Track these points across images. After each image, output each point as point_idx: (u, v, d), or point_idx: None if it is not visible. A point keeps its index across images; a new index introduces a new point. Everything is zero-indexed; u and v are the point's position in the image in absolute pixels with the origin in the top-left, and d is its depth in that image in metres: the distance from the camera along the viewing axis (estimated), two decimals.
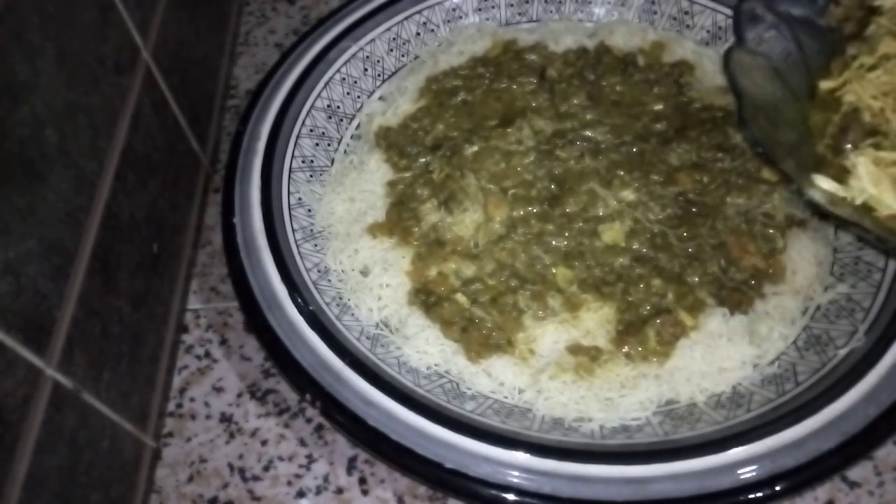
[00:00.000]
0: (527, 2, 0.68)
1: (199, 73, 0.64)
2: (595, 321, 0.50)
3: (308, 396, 0.44)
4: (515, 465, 0.41)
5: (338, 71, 0.62)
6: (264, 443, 0.49)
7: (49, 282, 0.38)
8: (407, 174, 0.58)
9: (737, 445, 0.40)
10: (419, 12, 0.66)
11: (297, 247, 0.52)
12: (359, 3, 0.65)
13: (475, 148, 0.57)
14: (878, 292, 0.48)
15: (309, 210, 0.56)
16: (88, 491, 0.40)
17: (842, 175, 0.47)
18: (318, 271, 0.52)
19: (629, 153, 0.57)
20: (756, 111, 0.50)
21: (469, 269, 0.52)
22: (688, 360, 0.48)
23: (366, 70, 0.64)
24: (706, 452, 0.40)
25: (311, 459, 0.49)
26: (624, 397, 0.46)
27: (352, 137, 0.62)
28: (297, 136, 0.58)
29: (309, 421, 0.50)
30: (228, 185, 0.54)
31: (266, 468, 0.48)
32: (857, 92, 0.50)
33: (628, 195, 0.54)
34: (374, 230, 0.55)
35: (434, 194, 0.56)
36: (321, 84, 0.61)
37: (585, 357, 0.48)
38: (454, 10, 0.67)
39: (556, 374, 0.47)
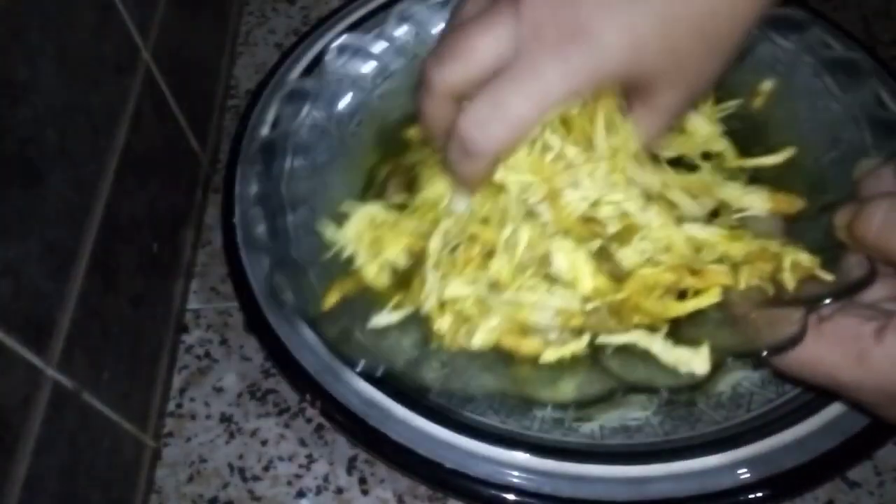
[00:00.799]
0: None
1: (199, 73, 0.64)
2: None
3: (308, 396, 0.44)
4: (515, 465, 0.41)
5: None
6: (264, 443, 0.49)
7: (49, 282, 0.38)
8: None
9: (737, 445, 0.40)
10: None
11: None
12: (359, 3, 0.65)
13: None
14: None
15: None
16: (88, 491, 0.40)
17: None
18: None
19: None
20: None
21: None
22: None
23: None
24: (706, 452, 0.40)
25: (311, 459, 0.49)
26: (624, 397, 0.46)
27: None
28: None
29: (309, 421, 0.50)
30: (228, 185, 0.54)
31: (266, 468, 0.48)
32: None
33: None
34: None
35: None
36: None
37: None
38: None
39: None
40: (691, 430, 0.44)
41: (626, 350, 0.38)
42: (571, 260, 0.38)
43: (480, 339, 0.40)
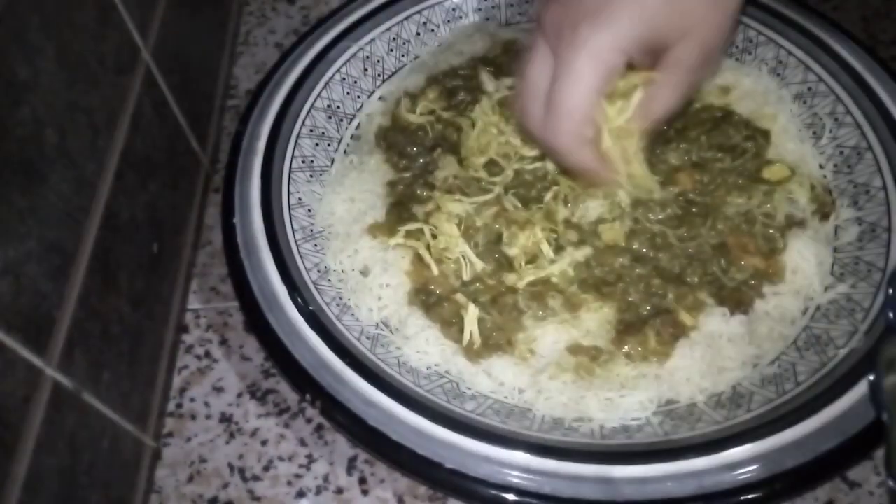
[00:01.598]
0: (527, 2, 0.68)
1: (199, 73, 0.64)
2: (595, 321, 0.50)
3: (308, 396, 0.44)
4: (515, 465, 0.41)
5: (338, 71, 0.62)
6: (264, 443, 0.49)
7: (49, 282, 0.38)
8: (407, 174, 0.58)
9: (737, 445, 0.40)
10: (419, 12, 0.66)
11: (297, 247, 0.52)
12: (359, 3, 0.65)
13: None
14: (878, 292, 0.48)
15: (309, 210, 0.56)
16: (88, 491, 0.40)
17: None
18: (318, 271, 0.52)
19: None
20: None
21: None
22: (688, 360, 0.48)
23: (366, 70, 0.64)
24: (706, 452, 0.40)
25: (311, 459, 0.49)
26: (624, 397, 0.46)
27: (352, 137, 0.62)
28: (297, 136, 0.58)
29: (309, 421, 0.50)
30: (228, 185, 0.54)
31: (266, 468, 0.48)
32: None
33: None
34: (374, 230, 0.55)
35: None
36: (321, 84, 0.61)
37: (585, 357, 0.48)
38: (454, 10, 0.67)
39: (556, 374, 0.47)
40: (691, 430, 0.44)
41: None
42: None
43: None
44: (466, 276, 0.52)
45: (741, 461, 0.40)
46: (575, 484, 0.40)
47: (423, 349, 0.49)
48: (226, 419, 0.51)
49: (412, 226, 0.53)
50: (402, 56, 0.66)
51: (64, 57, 0.41)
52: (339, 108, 0.62)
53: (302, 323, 0.46)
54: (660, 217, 0.53)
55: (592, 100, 0.37)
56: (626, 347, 0.48)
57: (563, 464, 0.41)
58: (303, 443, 0.49)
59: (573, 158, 0.41)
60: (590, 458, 0.41)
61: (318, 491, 0.47)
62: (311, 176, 0.58)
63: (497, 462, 0.41)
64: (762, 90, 0.60)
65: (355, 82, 0.63)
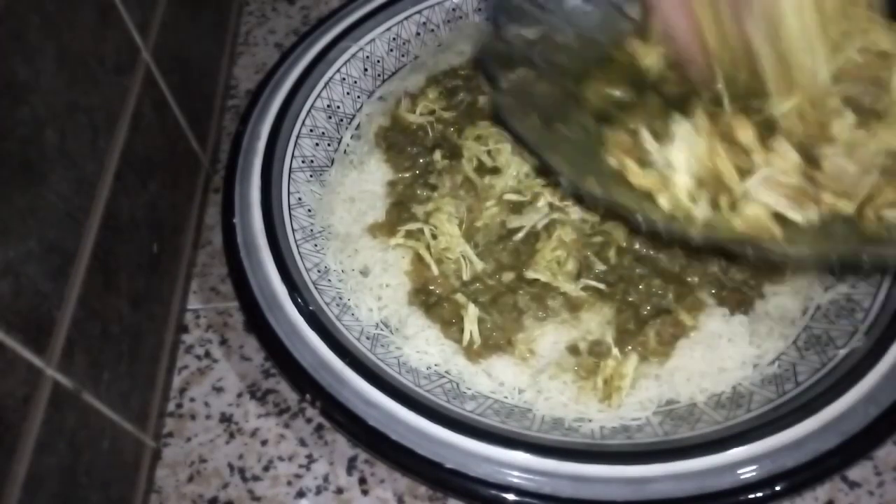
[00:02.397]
0: None
1: (199, 73, 0.64)
2: (595, 321, 0.50)
3: (308, 396, 0.44)
4: (515, 465, 0.41)
5: (338, 71, 0.62)
6: (264, 443, 0.49)
7: (49, 282, 0.38)
8: (407, 174, 0.58)
9: (737, 445, 0.40)
10: (419, 12, 0.66)
11: (297, 247, 0.52)
12: (359, 3, 0.65)
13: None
14: (878, 292, 0.48)
15: (309, 210, 0.56)
16: (88, 491, 0.40)
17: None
18: (318, 271, 0.52)
19: None
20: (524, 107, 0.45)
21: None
22: (688, 360, 0.48)
23: (366, 70, 0.64)
24: (706, 452, 0.40)
25: (311, 459, 0.49)
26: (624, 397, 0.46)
27: (352, 137, 0.62)
28: (297, 136, 0.58)
29: (309, 421, 0.50)
30: (228, 185, 0.54)
31: (266, 468, 0.48)
32: None
33: None
34: (374, 230, 0.55)
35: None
36: (321, 84, 0.61)
37: (586, 357, 0.48)
38: (454, 10, 0.67)
39: (556, 374, 0.47)
40: (691, 430, 0.44)
41: None
42: None
43: None
44: (466, 276, 0.52)
45: (741, 461, 0.40)
46: (575, 484, 0.40)
47: (423, 349, 0.49)
48: (226, 419, 0.51)
49: (412, 226, 0.53)
50: (402, 56, 0.66)
51: (64, 57, 0.41)
52: (339, 108, 0.62)
53: (302, 323, 0.46)
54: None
55: None
56: (626, 347, 0.48)
57: (563, 464, 0.41)
58: (303, 443, 0.49)
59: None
60: (590, 458, 0.41)
61: (318, 491, 0.47)
62: (311, 176, 0.58)
63: (497, 462, 0.41)
64: None
65: (355, 82, 0.63)
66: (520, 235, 0.53)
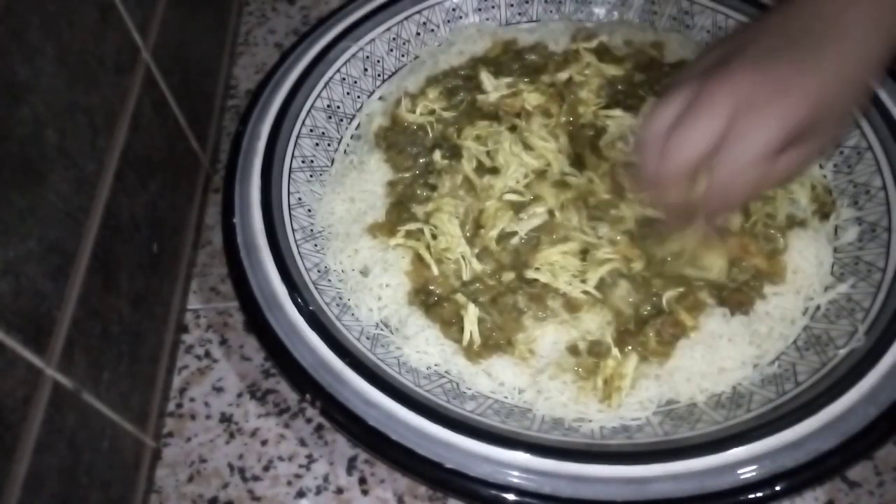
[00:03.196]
0: (527, 2, 0.68)
1: (199, 73, 0.64)
2: (595, 321, 0.50)
3: (308, 396, 0.44)
4: (515, 465, 0.41)
5: (338, 71, 0.62)
6: (264, 443, 0.49)
7: (49, 282, 0.38)
8: (407, 174, 0.58)
9: (737, 445, 0.40)
10: (419, 12, 0.66)
11: (297, 247, 0.52)
12: (359, 3, 0.65)
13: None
14: (878, 292, 0.48)
15: (309, 210, 0.56)
16: (88, 491, 0.40)
17: None
18: (318, 271, 0.52)
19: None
20: None
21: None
22: (688, 360, 0.48)
23: (366, 70, 0.64)
24: (706, 452, 0.40)
25: (311, 459, 0.49)
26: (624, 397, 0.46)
27: (352, 137, 0.62)
28: (297, 136, 0.58)
29: (309, 421, 0.50)
30: (228, 185, 0.54)
31: (266, 468, 0.48)
32: None
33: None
34: (374, 230, 0.55)
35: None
36: (321, 84, 0.61)
37: (586, 357, 0.48)
38: (454, 10, 0.67)
39: (556, 374, 0.47)
40: (691, 430, 0.44)
41: None
42: None
43: None
44: (466, 276, 0.52)
45: (741, 461, 0.40)
46: (574, 484, 0.40)
47: (423, 349, 0.49)
48: (226, 419, 0.51)
49: (412, 226, 0.53)
50: (402, 56, 0.66)
51: (64, 57, 0.41)
52: (339, 108, 0.62)
53: (302, 323, 0.46)
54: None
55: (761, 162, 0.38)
56: (626, 348, 0.48)
57: (563, 464, 0.41)
58: (303, 443, 0.49)
59: (719, 214, 0.43)
60: (590, 458, 0.41)
61: (318, 491, 0.47)
62: (311, 176, 0.58)
63: (497, 462, 0.41)
64: None
65: (355, 82, 0.63)
66: (520, 236, 0.53)
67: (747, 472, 0.39)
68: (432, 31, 0.67)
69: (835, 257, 0.52)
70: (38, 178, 0.38)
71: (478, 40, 0.66)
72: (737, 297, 0.50)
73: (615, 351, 0.47)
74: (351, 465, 0.48)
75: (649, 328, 0.48)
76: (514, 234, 0.53)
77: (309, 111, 0.59)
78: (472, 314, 0.49)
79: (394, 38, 0.65)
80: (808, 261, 0.51)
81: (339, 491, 0.47)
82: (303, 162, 0.57)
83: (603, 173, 0.54)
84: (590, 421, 0.46)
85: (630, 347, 0.48)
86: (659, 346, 0.48)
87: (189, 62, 0.62)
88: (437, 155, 0.58)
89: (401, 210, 0.56)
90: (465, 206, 0.54)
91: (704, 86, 0.39)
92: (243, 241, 0.50)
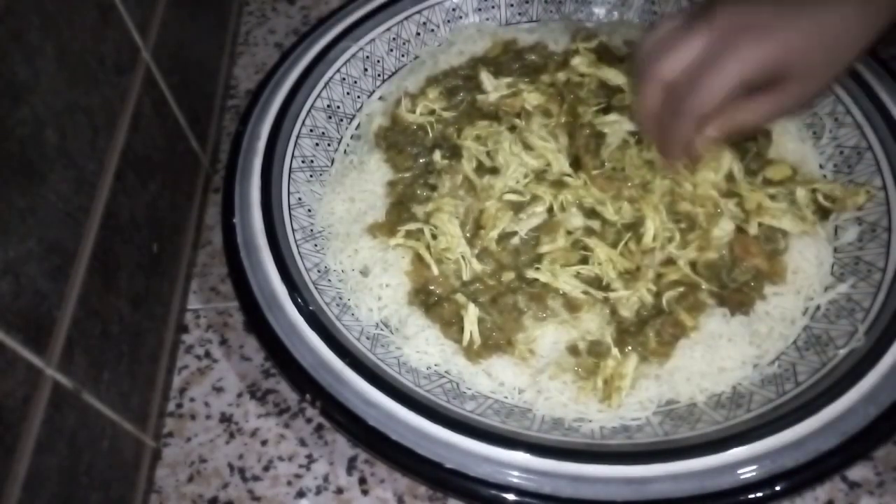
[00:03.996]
0: (527, 2, 0.68)
1: (199, 73, 0.64)
2: (595, 321, 0.50)
3: (308, 396, 0.44)
4: (515, 465, 0.41)
5: (338, 71, 0.62)
6: (264, 443, 0.49)
7: (49, 282, 0.38)
8: (407, 174, 0.58)
9: (737, 445, 0.40)
10: (419, 12, 0.66)
11: (297, 247, 0.52)
12: (359, 3, 0.65)
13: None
14: (878, 292, 0.48)
15: (309, 210, 0.56)
16: (88, 491, 0.40)
17: None
18: (318, 271, 0.52)
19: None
20: None
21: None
22: (688, 360, 0.48)
23: (366, 70, 0.64)
24: (706, 452, 0.40)
25: (311, 459, 0.49)
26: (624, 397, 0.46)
27: (352, 137, 0.62)
28: (297, 136, 0.58)
29: (309, 421, 0.50)
30: (228, 185, 0.54)
31: (266, 468, 0.48)
32: None
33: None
34: (374, 230, 0.55)
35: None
36: (321, 84, 0.61)
37: (586, 357, 0.48)
38: (454, 10, 0.67)
39: (556, 374, 0.47)
40: (691, 430, 0.44)
41: None
42: None
43: None
44: (466, 276, 0.52)
45: (741, 461, 0.40)
46: (574, 484, 0.40)
47: (423, 349, 0.49)
48: (226, 419, 0.51)
49: (412, 226, 0.53)
50: (402, 56, 0.66)
51: (64, 57, 0.41)
52: (339, 108, 0.62)
53: (302, 323, 0.46)
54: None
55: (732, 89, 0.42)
56: (626, 348, 0.48)
57: (563, 464, 0.41)
58: (303, 443, 0.49)
59: (681, 122, 0.45)
60: (590, 457, 0.41)
61: (318, 491, 0.47)
62: (311, 176, 0.58)
63: (497, 462, 0.41)
64: None
65: (355, 82, 0.63)
66: (520, 235, 0.53)
67: (747, 472, 0.39)
68: (432, 31, 0.67)
69: (835, 257, 0.52)
70: (38, 178, 0.38)
71: (478, 40, 0.66)
72: (737, 297, 0.50)
73: (615, 351, 0.47)
74: (351, 465, 0.48)
75: (649, 328, 0.48)
76: (514, 233, 0.53)
77: (309, 111, 0.59)
78: (472, 314, 0.49)
79: (394, 38, 0.65)
80: (808, 261, 0.51)
81: (339, 491, 0.47)
82: (303, 162, 0.57)
83: (596, 175, 0.54)
84: (590, 421, 0.46)
85: (630, 347, 0.48)
86: (659, 346, 0.48)
87: (189, 62, 0.62)
88: (437, 155, 0.58)
89: (401, 210, 0.56)
90: (465, 206, 0.54)
91: (694, 18, 0.44)
92: (243, 241, 0.50)
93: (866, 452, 0.41)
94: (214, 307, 0.56)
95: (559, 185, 0.54)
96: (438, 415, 0.43)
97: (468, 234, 0.53)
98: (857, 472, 0.46)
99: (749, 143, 0.56)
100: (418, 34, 0.66)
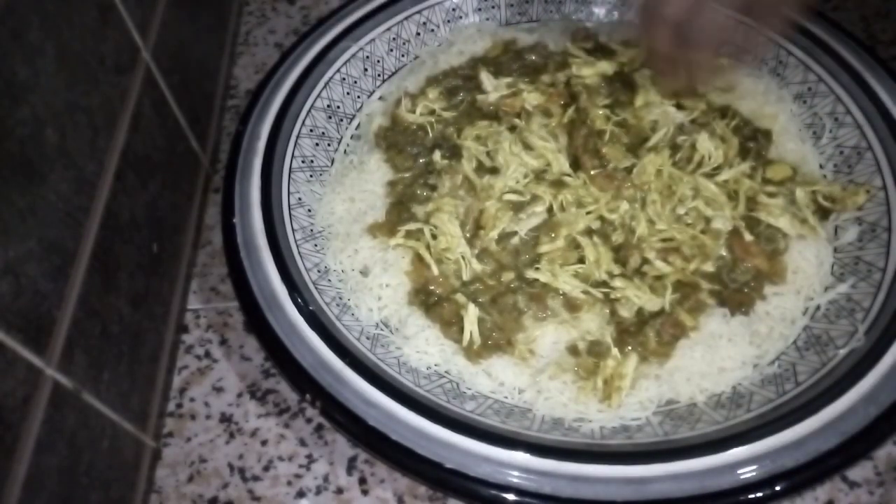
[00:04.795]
0: (527, 2, 0.68)
1: (199, 73, 0.64)
2: (595, 321, 0.50)
3: (308, 396, 0.44)
4: (515, 465, 0.41)
5: (338, 71, 0.62)
6: (264, 443, 0.49)
7: (49, 282, 0.38)
8: (407, 174, 0.58)
9: (737, 445, 0.40)
10: (419, 12, 0.66)
11: (297, 247, 0.52)
12: (359, 3, 0.65)
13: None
14: (878, 292, 0.48)
15: (309, 210, 0.56)
16: (88, 491, 0.40)
17: None
18: (318, 271, 0.52)
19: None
20: None
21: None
22: (688, 360, 0.48)
23: (366, 70, 0.64)
24: (706, 452, 0.40)
25: (311, 459, 0.49)
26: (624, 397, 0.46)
27: (352, 137, 0.62)
28: (297, 136, 0.58)
29: (309, 421, 0.50)
30: (228, 185, 0.54)
31: (266, 468, 0.48)
32: None
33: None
34: (374, 230, 0.55)
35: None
36: (321, 84, 0.61)
37: (586, 357, 0.48)
38: (454, 10, 0.67)
39: (556, 374, 0.47)
40: (691, 430, 0.44)
41: None
42: None
43: None
44: (466, 276, 0.52)
45: (741, 461, 0.40)
46: (574, 484, 0.40)
47: (423, 349, 0.49)
48: (226, 419, 0.51)
49: (412, 226, 0.53)
50: (402, 56, 0.66)
51: (64, 57, 0.41)
52: (339, 108, 0.62)
53: (302, 323, 0.46)
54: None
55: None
56: (626, 348, 0.48)
57: (563, 464, 0.41)
58: (303, 443, 0.49)
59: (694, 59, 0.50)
60: (590, 458, 0.41)
61: (318, 491, 0.47)
62: (311, 176, 0.58)
63: (497, 462, 0.41)
64: (762, 90, 0.60)
65: (355, 82, 0.63)
66: (520, 235, 0.53)
67: (747, 472, 0.39)
68: (432, 31, 0.67)
69: (835, 257, 0.52)
70: (38, 178, 0.38)
71: (478, 40, 0.66)
72: (737, 297, 0.50)
73: (615, 351, 0.47)
74: (351, 465, 0.48)
75: (649, 328, 0.48)
76: (514, 233, 0.53)
77: (309, 111, 0.59)
78: (472, 314, 0.49)
79: (394, 38, 0.65)
80: (808, 261, 0.51)
81: (339, 491, 0.47)
82: (303, 162, 0.57)
83: (596, 175, 0.54)
84: (590, 421, 0.46)
85: (630, 347, 0.48)
86: (659, 347, 0.48)
87: (189, 62, 0.62)
88: (437, 155, 0.58)
89: (401, 210, 0.56)
90: (465, 206, 0.54)
91: None
92: (243, 241, 0.50)
93: (866, 452, 0.41)
94: (214, 307, 0.56)
95: (559, 184, 0.54)
96: (438, 415, 0.43)
97: (468, 234, 0.54)
98: (857, 472, 0.46)
99: (749, 143, 0.56)
100: (418, 34, 0.66)
